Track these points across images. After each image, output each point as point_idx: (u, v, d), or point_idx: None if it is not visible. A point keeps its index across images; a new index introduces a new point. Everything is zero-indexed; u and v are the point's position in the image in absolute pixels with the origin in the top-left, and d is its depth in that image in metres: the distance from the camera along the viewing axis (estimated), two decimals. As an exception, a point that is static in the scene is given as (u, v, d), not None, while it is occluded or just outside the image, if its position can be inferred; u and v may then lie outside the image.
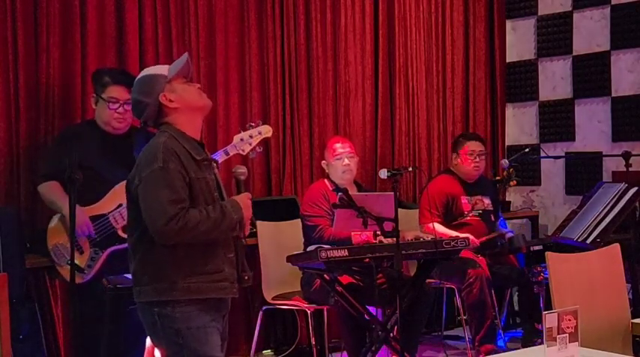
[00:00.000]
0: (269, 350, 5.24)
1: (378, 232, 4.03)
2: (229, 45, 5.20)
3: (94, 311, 3.77)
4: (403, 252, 3.95)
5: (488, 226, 5.16)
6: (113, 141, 3.99)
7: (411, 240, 4.18)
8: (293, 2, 5.45)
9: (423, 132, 6.18)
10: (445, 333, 5.58)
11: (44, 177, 3.96)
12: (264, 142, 3.58)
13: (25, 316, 3.91)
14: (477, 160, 5.18)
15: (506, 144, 6.72)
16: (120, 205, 3.79)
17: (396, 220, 3.88)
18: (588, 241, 4.54)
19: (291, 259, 4.18)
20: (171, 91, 2.92)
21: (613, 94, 6.05)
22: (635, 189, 4.69)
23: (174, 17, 4.93)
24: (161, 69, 3.02)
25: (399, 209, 3.99)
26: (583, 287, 3.26)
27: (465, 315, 4.96)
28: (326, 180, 4.73)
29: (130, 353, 3.77)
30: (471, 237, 4.66)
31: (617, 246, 3.43)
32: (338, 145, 4.71)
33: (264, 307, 4.76)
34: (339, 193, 4.16)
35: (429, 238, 4.23)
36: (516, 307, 5.84)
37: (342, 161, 4.65)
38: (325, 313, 4.71)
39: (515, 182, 6.17)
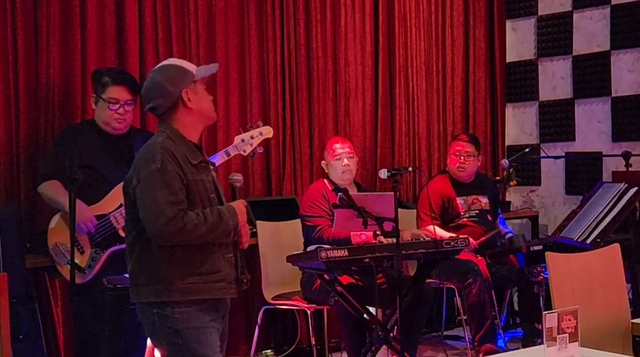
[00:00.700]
0: (269, 350, 5.24)
1: (378, 232, 4.03)
2: (229, 45, 5.20)
3: (94, 311, 3.77)
4: (403, 252, 3.95)
5: (485, 227, 5.14)
6: (113, 141, 3.99)
7: (410, 239, 4.18)
8: (293, 2, 5.45)
9: (423, 132, 6.18)
10: (445, 333, 5.59)
11: (44, 177, 3.95)
12: (265, 143, 3.57)
13: (25, 316, 3.91)
14: (462, 160, 5.15)
15: (506, 144, 6.72)
16: (121, 205, 3.79)
17: (396, 220, 3.88)
18: (588, 241, 4.54)
19: (291, 259, 4.18)
20: (193, 92, 2.95)
21: (613, 94, 6.05)
22: (635, 189, 4.69)
23: (174, 17, 4.93)
24: (189, 65, 3.02)
25: (399, 209, 3.99)
26: (583, 287, 3.26)
27: (464, 315, 4.96)
28: (325, 180, 4.73)
29: (130, 353, 3.77)
30: (470, 239, 4.66)
31: (617, 246, 3.43)
32: (337, 145, 4.70)
33: (264, 307, 4.76)
34: (339, 193, 4.16)
35: (429, 238, 4.23)
36: (516, 307, 5.84)
37: (341, 161, 4.65)
38: (325, 313, 4.71)
39: (515, 182, 6.18)
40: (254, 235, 4.85)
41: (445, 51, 6.34)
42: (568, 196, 6.33)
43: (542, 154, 6.22)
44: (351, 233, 4.30)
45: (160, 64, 3.08)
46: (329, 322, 4.82)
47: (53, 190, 3.88)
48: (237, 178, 3.12)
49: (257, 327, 4.75)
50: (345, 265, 4.17)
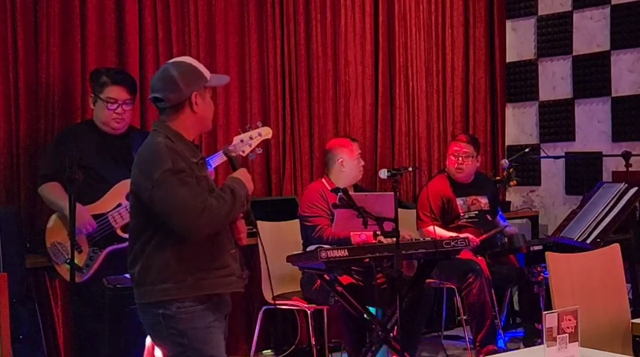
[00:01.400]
0: (269, 350, 5.24)
1: (378, 232, 4.03)
2: (229, 45, 5.20)
3: (93, 311, 3.77)
4: (403, 252, 3.95)
5: (485, 227, 5.14)
6: (112, 141, 3.99)
7: (410, 239, 4.18)
8: (293, 2, 5.45)
9: (423, 132, 6.18)
10: (445, 333, 5.59)
11: (44, 178, 3.95)
12: (264, 143, 3.57)
13: (25, 316, 3.91)
14: (460, 161, 5.15)
15: (506, 144, 6.72)
16: (119, 205, 3.79)
17: (396, 220, 3.88)
18: (588, 241, 4.54)
19: (291, 259, 4.18)
20: (202, 97, 2.94)
21: (613, 94, 6.05)
22: (635, 189, 4.69)
23: (175, 17, 4.93)
24: (204, 69, 3.00)
25: (399, 209, 3.99)
26: (583, 287, 3.26)
27: (464, 315, 4.96)
28: (324, 180, 4.72)
29: (130, 353, 3.78)
30: (471, 236, 4.66)
31: (617, 246, 3.43)
32: (355, 145, 4.72)
33: (264, 307, 4.76)
34: (339, 193, 4.16)
35: (429, 238, 4.23)
36: (516, 307, 5.84)
37: (359, 161, 4.68)
38: (325, 313, 4.71)
39: (515, 182, 6.18)
40: (254, 235, 4.85)
41: (445, 51, 6.34)
42: (568, 196, 6.33)
43: (542, 154, 6.22)
44: (351, 233, 4.30)
45: (176, 59, 3.05)
46: (329, 322, 4.82)
47: (53, 193, 3.88)
48: (232, 147, 3.14)
49: (257, 327, 4.75)
50: (345, 265, 4.17)
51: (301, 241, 4.61)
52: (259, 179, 5.33)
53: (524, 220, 6.50)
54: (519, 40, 6.67)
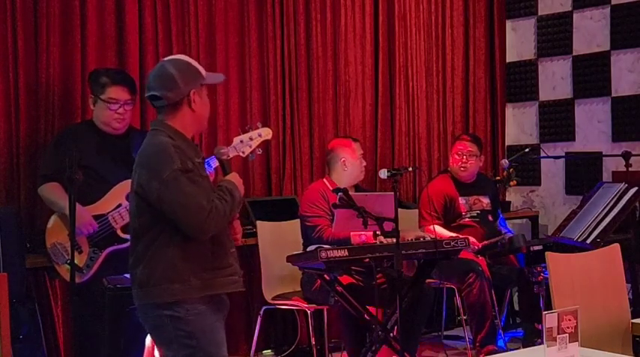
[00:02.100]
0: (269, 350, 5.24)
1: (378, 232, 4.03)
2: (229, 45, 5.20)
3: (93, 311, 3.76)
4: (403, 252, 3.95)
5: (486, 228, 5.15)
6: (112, 141, 3.98)
7: (412, 240, 4.18)
8: (293, 2, 5.45)
9: (423, 132, 6.18)
10: (445, 333, 5.58)
11: (44, 178, 3.94)
12: (264, 143, 3.56)
13: (25, 316, 3.91)
14: (464, 159, 5.17)
15: (506, 144, 6.72)
16: (119, 205, 3.79)
17: (396, 220, 3.88)
18: (588, 241, 4.54)
19: (291, 259, 4.18)
20: (199, 95, 2.91)
21: (613, 94, 6.05)
22: (635, 189, 4.69)
23: (175, 17, 4.93)
24: (199, 67, 2.97)
25: (399, 209, 3.99)
26: (583, 287, 3.26)
27: (464, 315, 4.96)
28: (325, 180, 4.72)
29: (129, 353, 3.78)
30: (472, 238, 4.66)
31: (617, 246, 3.43)
32: (357, 145, 4.73)
33: (264, 307, 4.76)
34: (339, 193, 4.16)
35: (429, 238, 4.23)
36: (516, 307, 5.84)
37: (361, 162, 4.69)
38: (325, 313, 4.71)
39: (515, 182, 6.18)
40: (254, 235, 4.86)
41: (445, 51, 6.34)
42: (568, 196, 6.33)
43: (542, 154, 6.22)
44: (351, 233, 4.30)
45: (172, 57, 3.02)
46: (329, 322, 4.82)
47: (53, 193, 3.87)
48: (224, 150, 3.14)
49: (257, 327, 4.75)
50: (345, 265, 4.17)
51: (301, 241, 4.61)
52: (259, 179, 5.34)
53: (524, 220, 6.51)
54: (519, 40, 6.66)
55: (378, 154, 5.92)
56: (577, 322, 2.39)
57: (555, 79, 6.43)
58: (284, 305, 4.71)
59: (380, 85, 5.93)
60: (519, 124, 6.69)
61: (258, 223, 4.86)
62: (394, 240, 3.85)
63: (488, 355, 4.55)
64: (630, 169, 4.96)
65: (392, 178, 4.06)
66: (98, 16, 4.60)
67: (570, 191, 6.31)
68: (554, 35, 6.40)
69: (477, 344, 4.76)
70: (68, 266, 3.58)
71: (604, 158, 6.03)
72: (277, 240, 4.87)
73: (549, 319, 2.36)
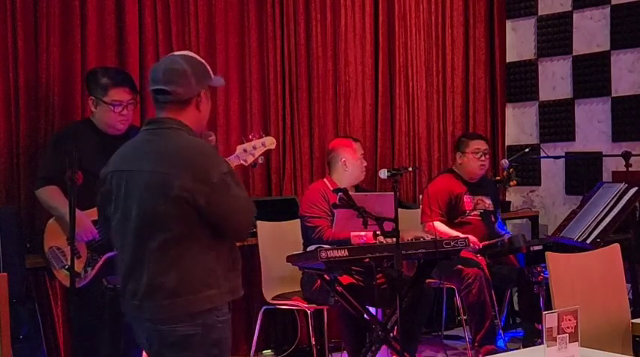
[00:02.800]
0: (269, 350, 5.24)
1: (378, 232, 4.03)
2: (229, 45, 5.20)
3: (93, 311, 3.75)
4: (403, 252, 3.95)
5: (488, 227, 5.17)
6: (112, 141, 3.92)
7: (411, 240, 4.18)
8: (293, 2, 5.45)
9: (423, 132, 6.18)
10: (445, 333, 5.58)
11: (42, 180, 3.88)
12: (266, 153, 3.54)
13: (25, 316, 3.91)
14: (483, 158, 5.21)
15: (506, 144, 6.72)
16: None
17: (396, 220, 3.88)
18: (588, 241, 4.54)
19: (291, 259, 4.18)
20: (207, 95, 2.79)
21: (613, 94, 6.05)
22: (635, 189, 4.69)
23: (175, 17, 4.93)
24: (209, 67, 2.86)
25: (399, 209, 3.99)
26: (583, 287, 3.26)
27: (464, 315, 4.96)
28: (326, 180, 4.72)
29: (129, 353, 3.77)
30: (472, 238, 4.67)
31: (617, 246, 3.43)
32: (358, 145, 4.73)
33: (264, 307, 4.76)
34: (339, 193, 4.16)
35: (429, 238, 4.23)
36: (516, 307, 5.84)
37: (362, 162, 4.70)
38: (325, 313, 4.71)
39: (515, 182, 6.17)
40: (254, 235, 4.86)
41: (445, 51, 6.34)
42: (568, 196, 6.33)
43: (542, 154, 6.22)
44: (351, 234, 4.31)
45: (182, 52, 2.89)
46: (329, 322, 4.82)
47: (52, 198, 3.80)
48: (212, 138, 3.03)
49: (257, 327, 4.75)
50: (345, 265, 4.16)
51: (301, 241, 4.61)
52: (259, 179, 5.34)
53: (524, 220, 6.51)
54: (519, 40, 6.66)
55: (378, 154, 5.92)
56: (577, 322, 2.39)
57: (555, 79, 6.43)
58: (284, 305, 4.71)
59: (380, 85, 5.93)
60: (519, 124, 6.69)
61: (258, 223, 4.85)
62: (394, 240, 3.85)
63: (487, 355, 4.55)
64: (630, 169, 4.96)
65: (392, 178, 4.06)
66: (98, 16, 4.60)
67: (570, 191, 6.31)
68: (554, 35, 6.41)
69: (477, 344, 4.77)
70: (66, 271, 3.57)
71: (604, 158, 6.03)
72: (277, 240, 4.87)
73: (549, 319, 2.35)
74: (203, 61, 2.83)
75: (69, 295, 3.64)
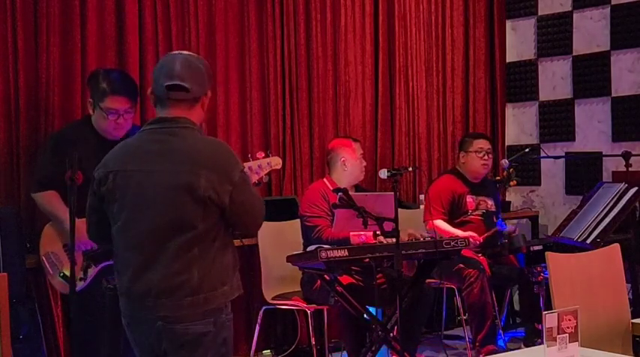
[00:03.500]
0: (269, 350, 5.24)
1: (378, 232, 4.03)
2: (229, 45, 5.20)
3: (93, 311, 3.74)
4: (403, 252, 3.95)
5: (489, 227, 5.16)
6: (112, 144, 3.90)
7: (410, 240, 4.18)
8: (293, 2, 5.45)
9: (423, 132, 6.18)
10: (445, 333, 5.58)
11: (39, 184, 3.84)
12: (271, 170, 3.53)
13: (25, 316, 3.90)
14: (486, 157, 5.21)
15: (506, 144, 6.72)
16: None
17: (396, 220, 3.88)
18: (588, 241, 4.54)
19: (291, 259, 4.18)
20: (208, 97, 2.82)
21: (613, 94, 6.05)
22: (635, 189, 4.69)
23: (174, 17, 4.93)
24: None
25: (399, 209, 3.99)
26: (583, 287, 3.26)
27: (465, 315, 4.96)
28: (325, 180, 4.72)
29: (129, 353, 3.76)
30: (473, 234, 4.67)
31: (617, 246, 3.43)
32: (357, 145, 4.74)
33: (264, 307, 4.76)
34: (339, 193, 4.16)
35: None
36: (516, 307, 5.84)
37: (362, 162, 4.70)
38: (325, 313, 4.71)
39: (515, 182, 6.17)
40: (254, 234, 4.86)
41: (445, 51, 6.34)
42: (568, 196, 6.33)
43: (542, 154, 6.22)
44: (351, 233, 4.31)
45: (189, 53, 2.88)
46: (329, 322, 4.82)
47: (52, 205, 3.77)
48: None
49: (257, 327, 4.75)
50: (345, 265, 4.17)
51: (301, 241, 4.61)
52: (259, 179, 5.33)
53: (524, 220, 6.51)
54: (519, 40, 6.66)
55: (378, 154, 5.92)
56: (577, 322, 2.39)
57: (555, 79, 6.43)
58: (284, 305, 4.71)
59: (380, 85, 5.93)
60: (519, 124, 6.69)
61: (258, 223, 4.85)
62: (394, 240, 3.85)
63: (488, 355, 4.55)
64: (630, 169, 4.96)
65: (392, 178, 4.06)
66: (98, 16, 4.59)
67: (570, 191, 6.31)
68: (554, 35, 6.40)
69: (477, 344, 4.77)
70: (60, 279, 3.56)
71: (604, 158, 6.03)
72: (277, 240, 4.87)
73: (549, 319, 2.36)
74: None
75: (69, 295, 3.63)
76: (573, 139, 6.31)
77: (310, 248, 4.25)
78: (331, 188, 4.47)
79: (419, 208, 5.60)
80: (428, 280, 4.57)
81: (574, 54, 6.28)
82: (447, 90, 6.36)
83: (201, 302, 2.63)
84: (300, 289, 4.69)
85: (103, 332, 3.72)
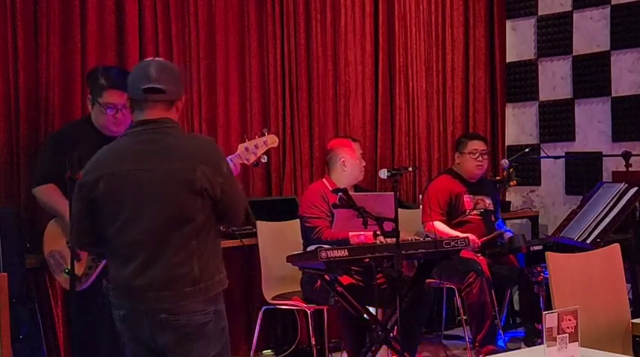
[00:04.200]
0: (269, 350, 5.24)
1: (378, 232, 4.03)
2: (229, 45, 5.20)
3: (93, 311, 3.74)
4: (403, 252, 3.95)
5: (488, 226, 5.18)
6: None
7: (410, 240, 4.18)
8: (293, 2, 5.45)
9: (423, 132, 6.18)
10: (445, 333, 5.59)
11: (39, 181, 3.84)
12: (269, 151, 3.52)
13: (25, 316, 3.90)
14: (480, 158, 5.21)
15: (506, 144, 6.72)
16: None
17: (396, 220, 3.88)
18: (588, 241, 4.54)
19: (291, 259, 4.18)
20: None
21: (613, 94, 6.05)
22: (635, 189, 4.69)
23: (174, 17, 4.93)
24: None
25: (399, 209, 3.99)
26: (583, 287, 3.26)
27: (464, 315, 4.96)
28: (325, 180, 4.72)
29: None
30: (472, 236, 4.67)
31: (617, 246, 3.43)
32: (356, 145, 4.74)
33: (264, 307, 4.76)
34: (339, 193, 4.16)
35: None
36: (516, 307, 5.84)
37: (361, 162, 4.70)
38: (325, 313, 4.71)
39: (515, 182, 6.17)
40: (254, 235, 4.86)
41: (445, 51, 6.34)
42: (568, 196, 6.33)
43: (542, 154, 6.22)
44: (350, 234, 4.30)
45: (161, 59, 3.00)
46: (329, 322, 4.82)
47: (52, 197, 3.76)
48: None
49: (257, 327, 4.75)
50: (345, 265, 4.16)
51: (301, 241, 4.61)
52: (259, 179, 5.33)
53: (524, 220, 6.50)
54: (519, 40, 6.66)
55: (378, 154, 5.92)
56: (577, 322, 2.39)
57: (555, 79, 6.43)
58: (284, 305, 4.71)
59: (380, 85, 5.93)
60: (519, 124, 6.69)
61: (258, 223, 4.86)
62: (394, 240, 3.85)
63: (488, 355, 4.55)
64: (630, 169, 4.96)
65: (392, 178, 4.06)
66: (98, 16, 4.60)
67: (570, 191, 6.31)
68: (554, 35, 6.40)
69: (477, 344, 4.77)
70: (66, 275, 3.56)
71: (604, 158, 6.03)
72: (277, 240, 4.87)
73: (549, 319, 2.35)
74: None
75: (69, 295, 3.64)
76: (573, 139, 6.31)
77: (310, 248, 4.25)
78: (330, 188, 4.47)
79: (419, 208, 5.59)
80: (428, 280, 4.57)
81: (574, 54, 6.28)
82: (447, 90, 6.36)
83: (203, 290, 2.72)
84: (300, 289, 4.69)
85: (103, 332, 3.71)
